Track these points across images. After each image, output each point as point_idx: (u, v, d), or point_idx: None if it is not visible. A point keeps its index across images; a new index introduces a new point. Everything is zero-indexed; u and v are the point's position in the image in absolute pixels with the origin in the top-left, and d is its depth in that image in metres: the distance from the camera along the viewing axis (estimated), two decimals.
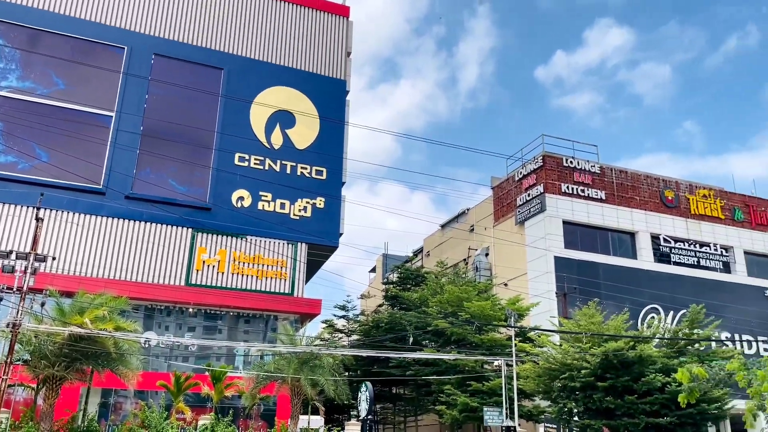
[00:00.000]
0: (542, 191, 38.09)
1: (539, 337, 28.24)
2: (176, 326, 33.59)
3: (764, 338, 36.94)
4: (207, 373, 28.16)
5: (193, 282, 33.16)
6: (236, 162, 35.35)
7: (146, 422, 22.48)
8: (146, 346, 30.59)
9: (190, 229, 33.76)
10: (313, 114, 37.69)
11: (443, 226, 50.36)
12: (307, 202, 36.06)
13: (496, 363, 27.89)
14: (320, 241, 35.87)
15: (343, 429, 29.49)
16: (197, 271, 33.38)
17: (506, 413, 25.48)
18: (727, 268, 41.11)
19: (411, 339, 30.12)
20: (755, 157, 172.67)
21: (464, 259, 44.77)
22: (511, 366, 26.02)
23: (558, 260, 36.13)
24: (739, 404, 24.44)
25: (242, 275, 34.01)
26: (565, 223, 37.67)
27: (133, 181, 33.32)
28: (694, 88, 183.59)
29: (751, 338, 38.20)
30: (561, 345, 26.34)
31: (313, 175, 36.80)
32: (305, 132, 37.39)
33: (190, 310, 33.24)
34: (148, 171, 33.91)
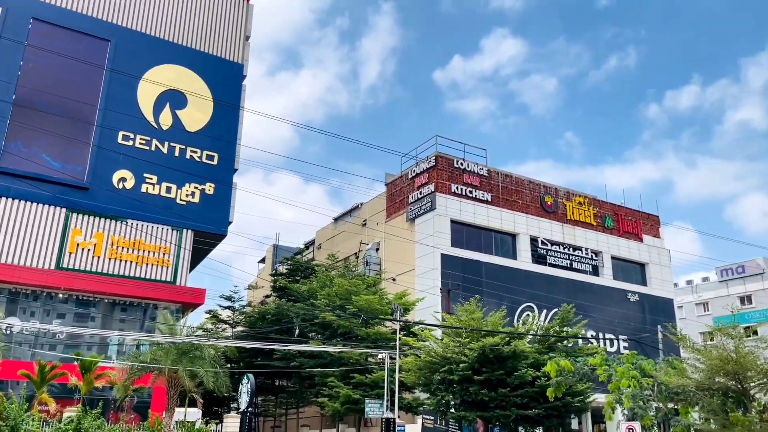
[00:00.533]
0: (433, 190, 39.15)
1: (422, 331, 29.04)
2: (43, 312, 31.17)
3: (624, 337, 40.20)
4: (76, 363, 26.41)
5: (65, 266, 30.94)
6: (120, 140, 33.30)
7: (3, 414, 20.70)
8: (7, 332, 28.20)
9: (63, 209, 31.42)
10: (207, 96, 36.28)
11: (336, 220, 50.45)
12: (196, 188, 34.70)
13: (380, 356, 28.33)
14: (208, 228, 34.64)
15: (221, 422, 28.76)
16: (70, 254, 31.16)
17: (387, 405, 25.97)
18: (595, 271, 44.34)
19: (297, 331, 29.92)
20: (627, 169, 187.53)
21: (355, 253, 45.12)
22: (395, 359, 26.55)
23: (445, 257, 37.32)
24: (599, 398, 26.49)
25: (120, 261, 32.16)
26: (453, 222, 38.97)
27: (0, 154, 30.51)
28: (577, 102, 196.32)
29: (613, 337, 41.46)
30: (442, 339, 27.25)
31: (204, 159, 35.45)
32: (197, 114, 35.92)
33: (60, 295, 31.00)
34: (18, 144, 31.16)
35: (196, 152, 35.27)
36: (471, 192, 40.57)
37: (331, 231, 50.56)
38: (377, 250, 43.08)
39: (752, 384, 19.60)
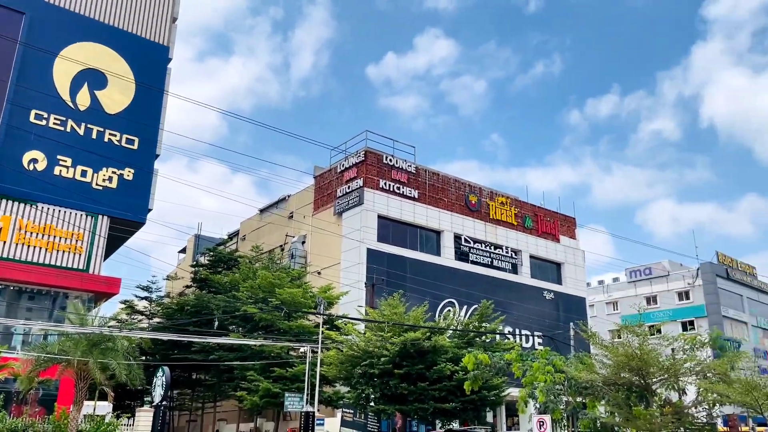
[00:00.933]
0: (361, 185, 39.24)
1: (345, 325, 29.10)
2: None
3: (539, 333, 41.75)
4: None
5: None
6: (32, 119, 31.31)
7: None
8: None
9: None
10: (129, 77, 34.68)
11: (262, 211, 49.65)
12: (114, 172, 33.16)
13: (302, 349, 28.17)
14: (125, 215, 33.17)
15: (133, 416, 27.74)
16: None
17: (307, 399, 25.87)
18: (515, 269, 45.81)
19: (217, 323, 29.28)
20: (548, 172, 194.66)
21: (281, 246, 44.59)
22: (317, 352, 26.47)
23: (370, 252, 37.52)
24: (514, 392, 27.43)
25: (29, 246, 30.33)
26: (380, 217, 39.22)
27: None
28: (504, 105, 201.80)
29: (528, 333, 43.00)
30: (365, 333, 27.41)
31: (123, 143, 33.89)
32: (117, 96, 34.30)
33: None
34: None
35: (115, 135, 33.67)
36: (399, 188, 40.94)
37: (256, 222, 49.73)
38: (303, 243, 42.76)
39: (654, 379, 20.89)
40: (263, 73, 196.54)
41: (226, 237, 51.02)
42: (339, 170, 41.97)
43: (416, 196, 41.73)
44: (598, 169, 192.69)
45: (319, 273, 37.99)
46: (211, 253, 41.87)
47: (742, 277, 67.44)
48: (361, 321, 28.96)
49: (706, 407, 22.96)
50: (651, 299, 67.96)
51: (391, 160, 41.29)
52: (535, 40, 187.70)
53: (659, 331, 46.00)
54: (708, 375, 22.54)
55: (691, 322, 62.38)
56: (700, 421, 22.71)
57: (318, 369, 26.14)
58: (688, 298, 65.29)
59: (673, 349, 21.45)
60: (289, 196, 47.11)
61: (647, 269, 69.72)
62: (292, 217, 44.93)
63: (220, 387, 33.57)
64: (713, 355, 27.30)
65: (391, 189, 40.51)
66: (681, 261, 67.71)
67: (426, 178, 43.01)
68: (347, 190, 40.21)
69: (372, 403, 27.22)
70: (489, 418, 38.08)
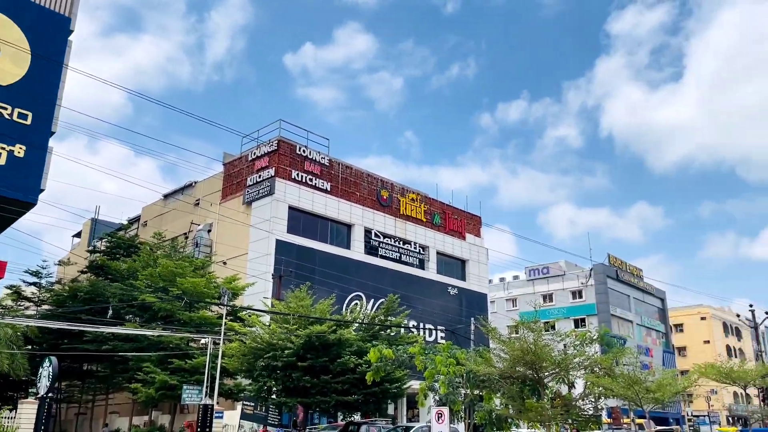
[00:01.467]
0: (273, 175, 38.59)
1: (250, 317, 28.57)
2: None
3: (442, 327, 42.85)
4: None
5: None
6: None
7: None
8: None
9: None
10: (24, 47, 32.03)
11: (166, 197, 47.73)
12: (2, 148, 30.67)
13: (203, 341, 27.36)
14: (13, 194, 30.52)
15: (15, 408, 25.93)
16: None
17: (206, 392, 25.20)
18: (422, 264, 46.70)
19: (111, 312, 27.87)
20: (459, 172, 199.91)
21: (185, 234, 43.09)
22: (219, 344, 25.82)
23: (279, 243, 37.02)
24: (415, 384, 27.96)
25: None
26: (291, 208, 38.75)
27: None
28: (419, 103, 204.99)
29: (432, 327, 44.00)
30: (270, 326, 27.04)
31: (15, 117, 31.02)
32: (10, 67, 31.42)
33: None
34: None
35: (6, 109, 30.76)
36: (311, 180, 40.61)
37: (159, 208, 47.76)
38: (209, 231, 41.54)
39: (546, 373, 21.92)
40: (175, 53, 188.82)
41: (126, 222, 48.63)
42: (250, 158, 41.06)
43: (328, 189, 41.57)
44: (505, 172, 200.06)
45: (224, 263, 37.04)
46: (111, 239, 39.77)
47: (629, 278, 72.19)
48: (266, 313, 28.53)
49: (592, 400, 24.46)
50: (547, 297, 71.41)
51: (304, 151, 40.88)
52: (451, 41, 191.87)
53: (553, 327, 48.42)
54: (595, 369, 23.98)
55: (583, 320, 66.11)
56: (586, 413, 24.14)
57: (219, 361, 25.51)
58: (581, 296, 69.12)
59: (565, 345, 22.55)
60: (195, 183, 45.58)
61: (545, 268, 73.15)
62: (198, 204, 43.50)
63: (113, 379, 32.05)
64: (601, 351, 29.06)
65: (304, 180, 40.12)
66: (576, 262, 71.60)
67: (339, 171, 42.94)
68: (258, 180, 39.43)
69: (274, 396, 26.93)
70: (390, 410, 38.73)
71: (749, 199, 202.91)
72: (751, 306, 49.39)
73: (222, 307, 27.35)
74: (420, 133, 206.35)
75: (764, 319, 51.22)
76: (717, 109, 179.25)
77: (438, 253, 48.14)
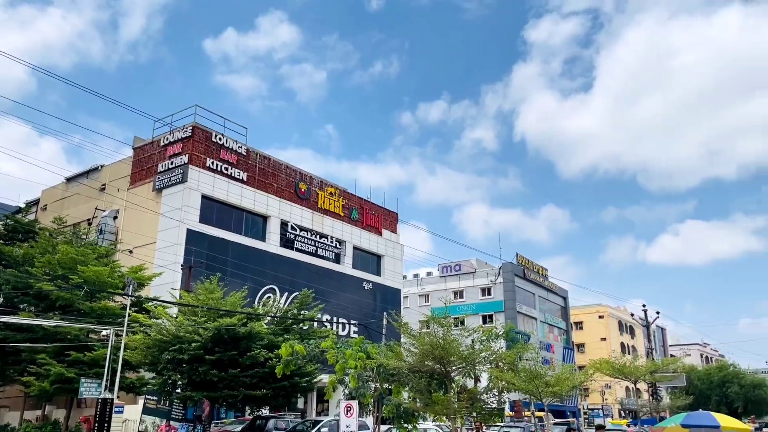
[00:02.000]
0: (186, 162, 37.32)
1: (156, 308, 27.56)
2: None
3: (355, 322, 43.05)
4: None
5: None
6: None
7: None
8: None
9: None
10: None
11: (69, 180, 45.12)
12: None
13: (104, 332, 26.08)
14: None
15: None
16: None
17: (106, 385, 24.07)
18: (338, 259, 46.69)
19: (1, 299, 26.04)
20: (378, 169, 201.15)
21: (88, 220, 40.87)
22: (121, 336, 24.72)
23: (191, 233, 35.89)
24: (325, 378, 27.94)
25: None
26: (204, 197, 37.63)
27: None
28: (341, 97, 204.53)
29: (345, 321, 44.13)
30: (177, 318, 26.18)
31: None
32: None
33: None
34: None
35: None
36: (227, 169, 39.59)
37: (61, 191, 45.08)
38: (115, 218, 39.65)
39: (453, 368, 22.52)
40: (86, 29, 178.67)
41: (23, 205, 45.52)
42: (162, 144, 39.50)
43: (245, 179, 40.69)
44: (423, 170, 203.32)
45: (130, 252, 35.50)
46: (7, 222, 37.07)
47: (535, 277, 75.38)
48: (173, 305, 27.57)
49: (496, 393, 25.36)
50: (458, 293, 73.35)
51: (220, 139, 39.78)
52: (375, 38, 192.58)
53: (463, 322, 49.79)
54: (500, 364, 24.89)
55: (491, 316, 68.41)
56: (489, 406, 25.00)
57: (121, 353, 24.44)
58: (490, 294, 71.47)
59: (472, 340, 23.22)
60: (102, 167, 43.33)
61: (457, 266, 75.06)
62: (104, 189, 41.41)
63: (3, 371, 29.97)
64: (506, 346, 30.18)
65: (219, 169, 39.05)
66: (487, 260, 73.93)
67: (257, 161, 42.11)
68: (170, 166, 38.00)
69: (178, 390, 26.12)
70: (300, 404, 38.55)
71: (648, 206, 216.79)
72: (644, 306, 52.86)
73: (126, 297, 26.18)
74: (341, 127, 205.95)
75: (655, 319, 54.93)
76: (621, 120, 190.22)
77: (354, 247, 48.28)
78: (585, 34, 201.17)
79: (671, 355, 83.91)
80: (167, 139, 39.26)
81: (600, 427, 22.81)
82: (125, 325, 24.83)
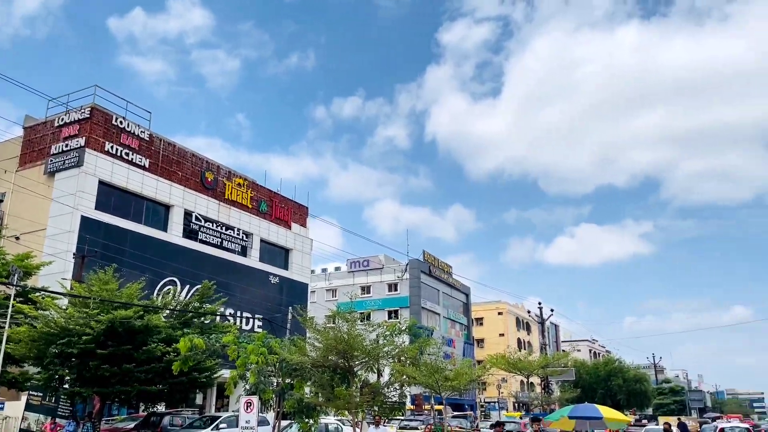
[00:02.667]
0: (83, 145, 35.24)
1: (43, 299, 25.87)
2: None
3: (260, 316, 42.37)
4: None
5: None
6: None
7: None
8: None
9: None
10: None
11: None
12: None
13: None
14: None
15: None
16: None
17: None
18: (244, 252, 45.73)
19: None
20: (290, 162, 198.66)
21: None
22: (3, 328, 23.00)
23: (85, 220, 33.93)
24: (226, 373, 27.32)
25: None
26: (101, 183, 35.67)
27: None
28: (254, 87, 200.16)
29: (250, 315, 43.32)
30: (67, 309, 24.72)
31: None
32: None
33: None
34: None
35: None
36: (128, 154, 37.72)
37: None
38: (1, 201, 36.81)
39: (357, 362, 22.72)
40: None
41: None
42: (57, 125, 37.06)
43: (147, 166, 38.92)
44: (336, 165, 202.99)
45: (17, 238, 33.06)
46: None
47: (440, 274, 77.33)
48: (63, 295, 25.97)
49: (398, 387, 25.82)
50: (366, 289, 74.00)
51: (121, 123, 37.83)
52: (291, 29, 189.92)
53: (368, 317, 50.29)
54: (402, 359, 25.35)
55: (396, 312, 69.51)
56: (391, 399, 25.42)
57: (3, 346, 22.73)
58: (396, 289, 72.59)
59: (377, 335, 23.52)
60: None
61: (366, 261, 75.66)
62: None
63: None
64: (409, 341, 30.76)
65: (119, 154, 37.13)
66: (395, 256, 75.04)
67: (160, 148, 40.40)
68: (64, 149, 35.73)
69: (67, 386, 24.68)
70: (199, 399, 37.50)
71: (547, 209, 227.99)
72: (540, 304, 55.58)
73: (10, 287, 24.36)
74: (253, 117, 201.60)
75: (549, 316, 57.88)
76: (526, 126, 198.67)
77: (262, 240, 47.46)
78: (496, 41, 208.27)
79: (563, 351, 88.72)
80: (62, 119, 36.89)
81: (498, 424, 23.75)
82: (8, 316, 23.12)
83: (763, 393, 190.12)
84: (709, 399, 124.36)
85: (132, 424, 26.05)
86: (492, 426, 24.74)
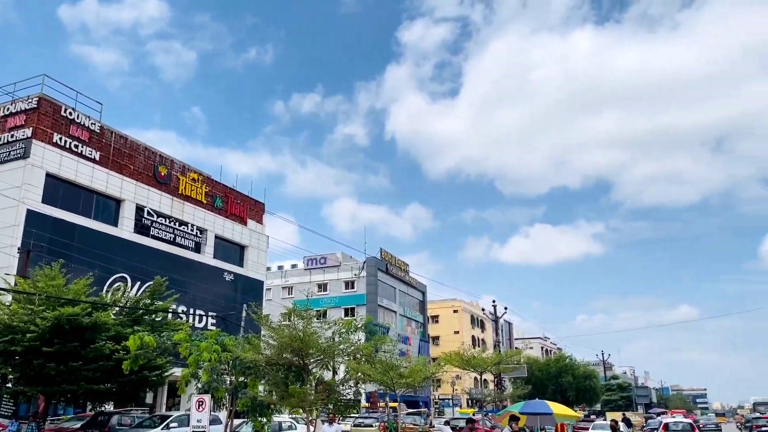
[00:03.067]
0: (30, 136, 33.99)
1: None
2: None
3: (213, 314, 41.73)
4: None
5: None
6: None
7: None
8: None
9: None
10: None
11: None
12: None
13: None
14: None
15: None
16: None
17: None
18: (198, 248, 44.91)
19: None
20: (247, 157, 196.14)
21: None
22: None
23: (31, 214, 32.75)
24: (177, 371, 26.81)
25: None
26: (49, 176, 34.48)
27: None
28: (210, 80, 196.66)
29: (203, 313, 42.63)
30: (11, 306, 23.84)
31: None
32: None
33: None
34: None
35: None
36: (77, 147, 36.55)
37: None
38: None
39: (312, 360, 22.61)
40: None
41: None
42: (2, 115, 35.64)
43: (97, 159, 37.80)
44: (294, 162, 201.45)
45: None
46: None
47: (397, 272, 77.66)
48: (6, 291, 25.00)
49: (353, 385, 25.81)
50: (322, 286, 73.71)
51: (71, 114, 36.62)
52: (249, 22, 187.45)
53: (325, 315, 50.09)
54: (357, 356, 25.35)
55: (353, 309, 69.49)
56: (346, 397, 25.40)
57: None
58: (353, 287, 72.56)
59: (333, 333, 23.43)
60: None
61: (323, 258, 75.40)
62: None
63: None
64: (365, 339, 30.77)
65: (68, 146, 35.94)
66: (352, 254, 75.05)
67: (112, 141, 39.29)
68: (10, 139, 34.40)
69: (10, 385, 23.80)
70: (150, 399, 36.68)
71: (503, 209, 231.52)
72: (494, 302, 56.41)
73: None
74: (209, 111, 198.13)
75: (503, 314, 58.80)
76: (483, 127, 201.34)
77: (216, 237, 46.70)
78: (455, 41, 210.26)
79: (516, 348, 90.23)
80: (8, 109, 35.49)
81: (470, 421, 24.11)
82: None
83: (705, 389, 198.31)
84: (654, 395, 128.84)
85: (78, 424, 25.32)
86: (467, 421, 25.09)
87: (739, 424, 65.74)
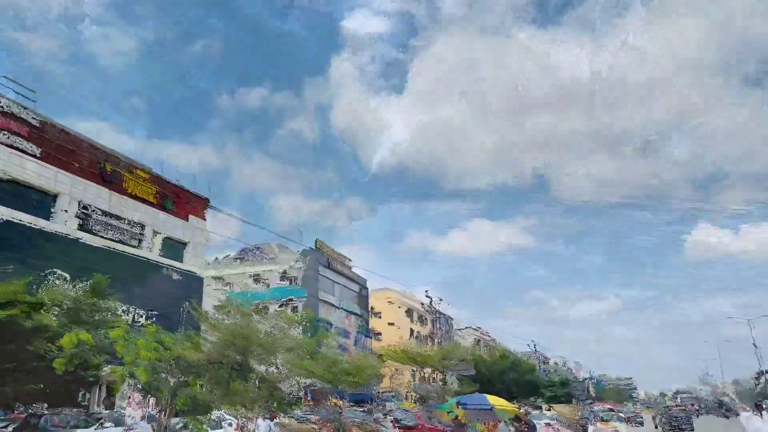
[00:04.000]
0: None
1: None
2: None
3: (155, 311, 40.98)
4: None
5: None
6: None
7: None
8: None
9: None
10: None
11: None
12: None
13: None
14: None
15: None
16: None
17: None
18: (140, 244, 43.91)
19: None
20: (191, 151, 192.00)
21: None
22: None
23: None
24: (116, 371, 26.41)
25: None
26: None
27: None
28: (153, 71, 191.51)
29: (143, 311, 41.76)
30: None
31: None
32: None
33: None
34: None
35: None
36: (17, 142, 35.22)
37: None
38: None
39: (253, 357, 22.71)
40: None
41: None
42: None
43: (38, 154, 36.46)
44: (240, 156, 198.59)
45: None
46: None
47: (337, 264, 77.00)
48: None
49: (295, 381, 26.02)
50: (259, 279, 72.36)
51: (9, 107, 35.29)
52: (193, 13, 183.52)
53: (267, 308, 49.74)
54: (299, 352, 25.56)
55: (292, 302, 68.34)
56: (289, 394, 25.59)
57: None
58: (291, 280, 71.41)
59: (272, 327, 23.49)
60: None
61: (258, 249, 73.95)
62: None
63: None
64: (306, 332, 30.87)
65: (7, 142, 34.57)
66: (290, 245, 73.68)
67: (54, 135, 37.94)
68: None
69: None
70: (86, 398, 35.84)
71: (443, 203, 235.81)
72: (426, 291, 57.00)
73: None
74: (150, 102, 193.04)
75: (439, 304, 59.50)
76: (426, 123, 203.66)
77: (158, 233, 45.84)
78: (400, 37, 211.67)
79: (456, 341, 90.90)
80: None
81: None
82: None
83: (632, 378, 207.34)
84: (592, 388, 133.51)
85: (10, 427, 24.62)
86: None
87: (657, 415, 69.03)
